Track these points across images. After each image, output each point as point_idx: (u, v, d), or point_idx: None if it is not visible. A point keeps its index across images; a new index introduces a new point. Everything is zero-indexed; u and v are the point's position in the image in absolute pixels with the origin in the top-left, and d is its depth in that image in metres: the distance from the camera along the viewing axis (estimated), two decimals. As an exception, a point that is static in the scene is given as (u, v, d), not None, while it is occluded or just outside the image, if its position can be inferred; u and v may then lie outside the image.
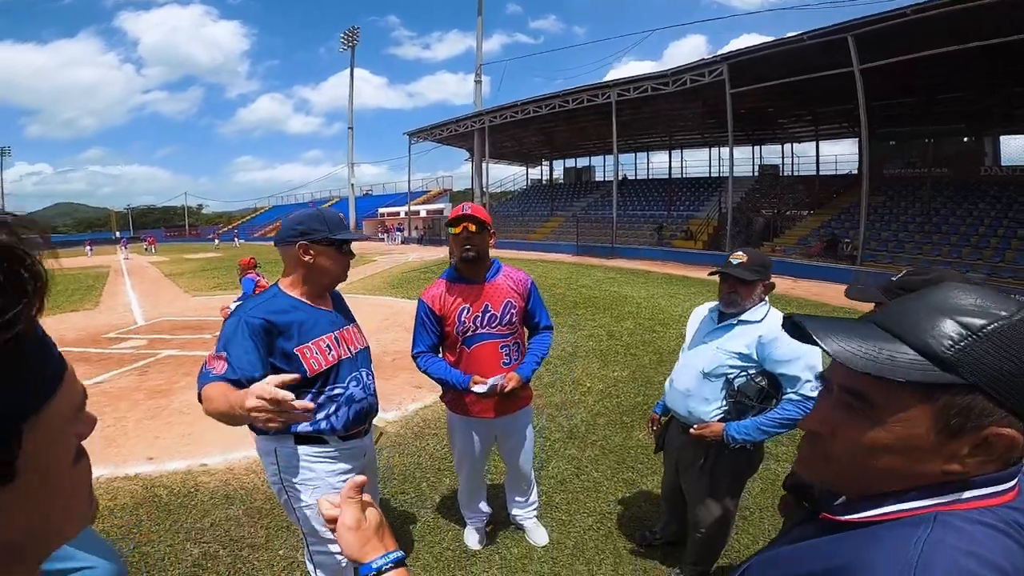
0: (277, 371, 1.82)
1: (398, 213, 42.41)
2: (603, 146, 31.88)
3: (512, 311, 2.43)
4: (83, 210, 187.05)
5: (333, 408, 1.97)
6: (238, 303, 4.78)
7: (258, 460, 2.10)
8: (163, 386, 5.85)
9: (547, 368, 6.17)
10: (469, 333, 2.39)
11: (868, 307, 1.52)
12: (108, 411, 4.97)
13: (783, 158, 29.91)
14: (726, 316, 2.19)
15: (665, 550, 2.77)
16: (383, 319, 9.28)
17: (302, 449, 1.96)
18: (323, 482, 2.01)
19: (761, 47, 17.92)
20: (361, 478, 0.91)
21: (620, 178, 29.62)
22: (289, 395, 1.36)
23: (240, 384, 1.68)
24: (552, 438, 4.29)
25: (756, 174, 29.60)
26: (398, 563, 0.82)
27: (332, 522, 0.87)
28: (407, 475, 3.71)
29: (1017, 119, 20.02)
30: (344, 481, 2.07)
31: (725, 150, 22.94)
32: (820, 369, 1.97)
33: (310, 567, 2.21)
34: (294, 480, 1.98)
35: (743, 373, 2.10)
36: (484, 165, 31.55)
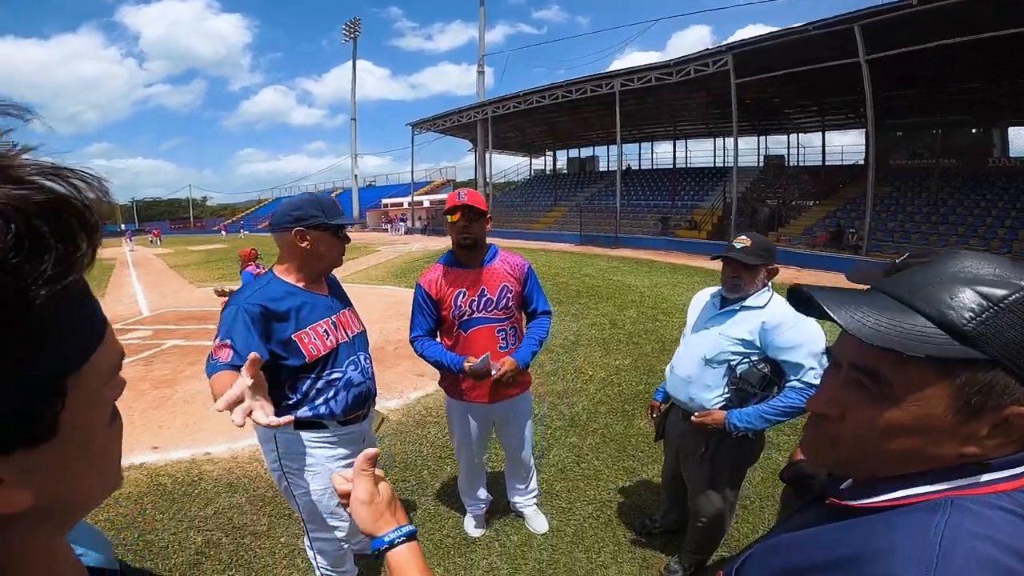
0: (276, 357, 1.83)
1: (401, 204, 42.39)
2: (607, 136, 31.72)
3: (508, 295, 2.43)
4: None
5: (332, 393, 1.97)
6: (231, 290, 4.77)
7: (261, 449, 2.10)
8: (168, 376, 5.88)
9: (549, 356, 6.18)
10: (465, 317, 2.40)
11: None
12: (113, 400, 4.97)
13: (788, 148, 29.77)
14: (729, 301, 2.15)
15: (665, 538, 2.78)
16: (386, 308, 9.29)
17: (302, 435, 1.97)
18: (323, 467, 2.01)
19: (766, 37, 17.71)
20: (374, 450, 0.91)
21: (624, 168, 29.51)
22: (234, 392, 1.26)
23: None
24: (553, 426, 4.29)
25: (761, 164, 29.43)
26: (410, 536, 0.83)
27: (345, 497, 0.87)
28: (408, 463, 3.72)
29: (1026, 110, 19.83)
30: (345, 466, 2.08)
31: (730, 140, 22.79)
32: (824, 357, 1.95)
33: (310, 553, 2.22)
34: (294, 466, 1.99)
35: (745, 360, 2.07)
36: (487, 155, 31.47)
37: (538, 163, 42.22)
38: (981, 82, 18.49)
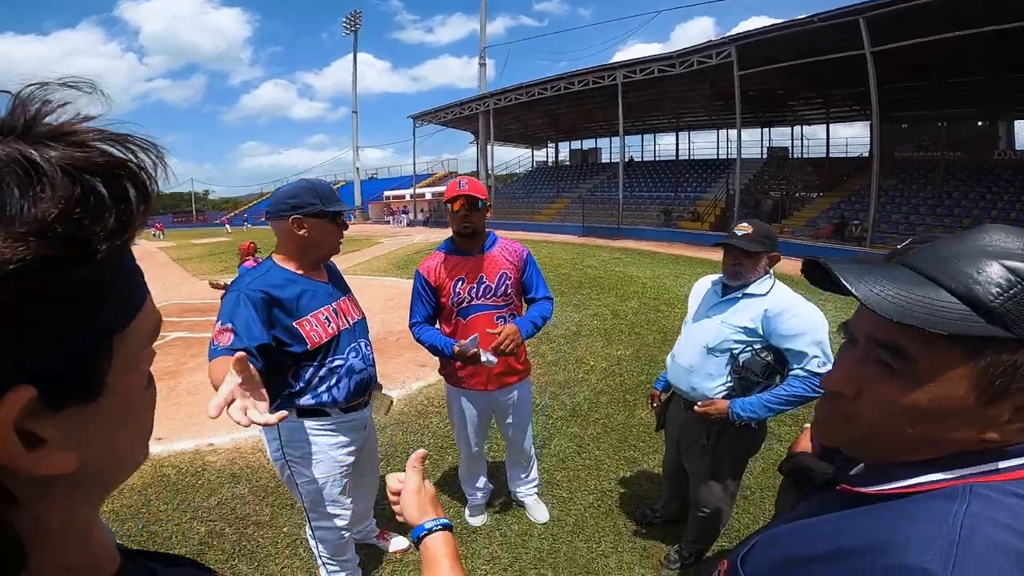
0: (280, 344, 1.82)
1: (403, 196, 42.30)
2: (609, 128, 31.61)
3: (507, 282, 2.43)
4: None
5: (334, 380, 1.96)
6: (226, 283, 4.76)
7: (263, 439, 2.10)
8: (172, 368, 5.89)
9: (551, 346, 6.18)
10: (464, 304, 2.40)
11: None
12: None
13: (792, 140, 29.57)
14: (730, 289, 2.13)
15: (665, 528, 2.78)
16: (388, 299, 9.30)
17: (304, 423, 1.97)
18: (325, 455, 2.01)
19: (770, 29, 17.56)
20: (423, 451, 1.04)
21: (627, 160, 29.38)
22: (218, 400, 1.28)
23: (250, 353, 1.68)
24: (554, 416, 4.29)
25: (765, 156, 29.28)
26: (446, 527, 0.91)
27: (396, 494, 0.98)
28: (410, 452, 3.71)
29: (1033, 103, 19.67)
30: (347, 454, 2.09)
31: (733, 132, 22.69)
32: (827, 344, 1.94)
33: (312, 543, 2.23)
34: (296, 454, 1.99)
35: (748, 348, 2.06)
36: (489, 147, 31.38)
37: (540, 155, 42.15)
38: (987, 75, 18.31)
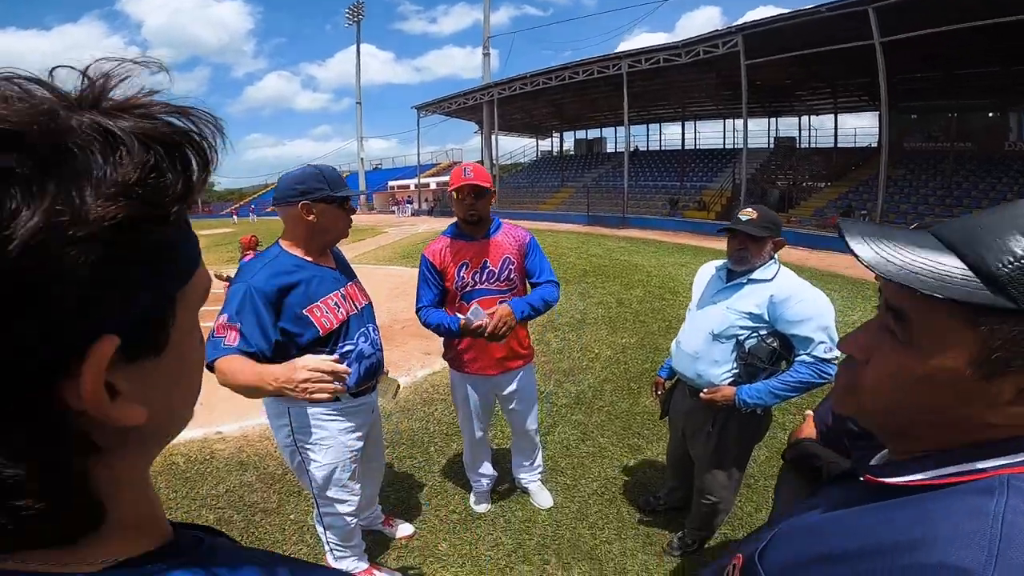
0: (288, 335, 1.83)
1: (408, 186, 42.23)
2: (614, 117, 31.34)
3: (511, 267, 2.43)
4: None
5: (345, 365, 1.97)
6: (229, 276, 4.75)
7: (270, 427, 2.10)
8: (177, 355, 5.92)
9: (556, 334, 6.20)
10: (468, 288, 2.41)
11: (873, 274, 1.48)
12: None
13: (800, 130, 29.28)
14: (735, 275, 2.12)
15: (668, 515, 2.79)
16: (393, 288, 9.30)
17: (314, 409, 1.97)
18: (335, 440, 2.02)
19: (777, 18, 17.30)
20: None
21: (632, 149, 29.22)
22: (341, 366, 1.58)
23: (255, 357, 1.68)
24: (559, 404, 4.31)
25: (772, 146, 29.04)
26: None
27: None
28: (415, 440, 3.75)
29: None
30: (356, 439, 2.10)
31: (740, 121, 22.44)
32: (833, 330, 1.93)
33: (320, 529, 2.24)
34: (308, 440, 1.99)
35: (754, 334, 2.05)
36: (493, 137, 31.24)
37: (545, 145, 41.84)
38: (999, 66, 18.02)
